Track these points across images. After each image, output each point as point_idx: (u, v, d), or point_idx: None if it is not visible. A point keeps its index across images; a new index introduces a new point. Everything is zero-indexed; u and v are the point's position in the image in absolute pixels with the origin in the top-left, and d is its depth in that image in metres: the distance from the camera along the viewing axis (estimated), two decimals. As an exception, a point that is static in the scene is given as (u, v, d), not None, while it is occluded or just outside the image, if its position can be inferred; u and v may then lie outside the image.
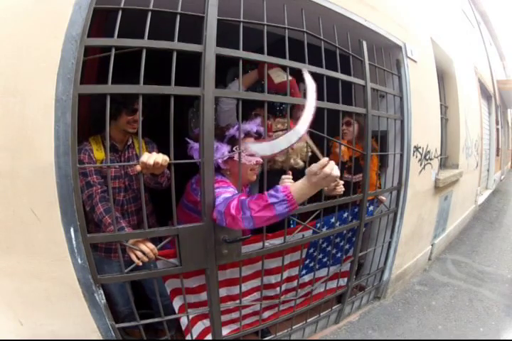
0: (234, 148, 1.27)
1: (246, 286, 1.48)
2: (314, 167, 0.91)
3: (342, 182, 1.52)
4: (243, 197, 1.04)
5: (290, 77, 1.36)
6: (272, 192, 0.96)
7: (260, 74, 1.59)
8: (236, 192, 1.21)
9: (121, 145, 1.36)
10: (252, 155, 1.29)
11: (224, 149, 1.27)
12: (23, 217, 0.88)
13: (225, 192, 1.15)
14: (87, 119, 1.34)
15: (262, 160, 1.32)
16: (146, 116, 1.22)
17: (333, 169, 0.89)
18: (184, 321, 1.33)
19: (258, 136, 1.35)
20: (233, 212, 0.99)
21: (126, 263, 1.09)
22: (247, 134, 1.31)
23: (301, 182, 0.95)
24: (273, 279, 1.57)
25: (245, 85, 1.52)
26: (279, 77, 1.57)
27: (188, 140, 1.23)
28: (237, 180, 1.25)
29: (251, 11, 1.14)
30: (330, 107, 1.46)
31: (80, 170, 0.96)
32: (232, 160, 1.30)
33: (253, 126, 1.34)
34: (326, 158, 0.91)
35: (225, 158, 1.29)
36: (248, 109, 1.69)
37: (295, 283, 1.64)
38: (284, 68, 1.29)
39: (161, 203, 1.65)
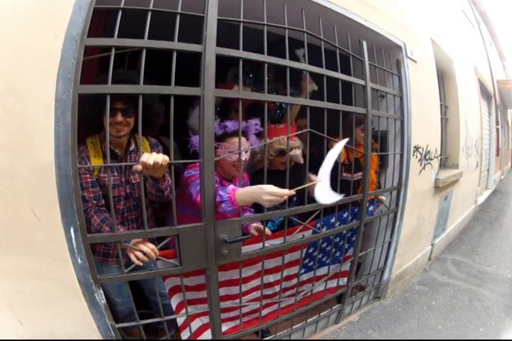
0: (216, 144, 1.32)
1: (246, 287, 1.48)
2: (273, 190, 1.09)
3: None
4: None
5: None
6: (220, 192, 1.15)
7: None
8: (216, 179, 1.28)
9: (121, 151, 1.26)
10: (232, 152, 1.35)
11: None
12: (23, 217, 0.88)
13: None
14: (82, 119, 1.28)
15: (242, 158, 1.33)
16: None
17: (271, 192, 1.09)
18: (180, 318, 1.33)
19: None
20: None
21: (126, 265, 1.08)
22: (233, 133, 1.36)
23: (252, 188, 1.15)
24: (271, 278, 1.58)
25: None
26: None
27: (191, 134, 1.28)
28: (223, 169, 1.42)
29: (251, 11, 1.14)
30: (330, 107, 1.47)
31: None
32: (217, 155, 1.33)
33: (235, 125, 1.38)
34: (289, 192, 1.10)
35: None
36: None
37: (293, 282, 1.64)
38: (284, 68, 1.29)
39: (162, 205, 1.65)
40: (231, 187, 1.17)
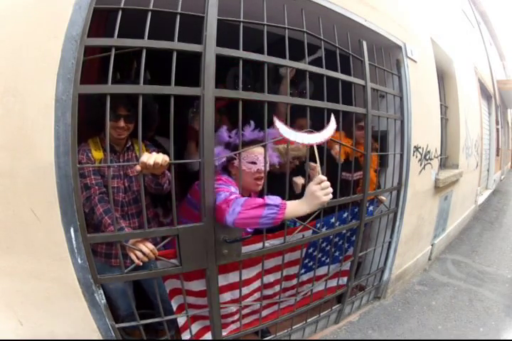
0: (233, 154, 1.28)
1: (248, 289, 1.47)
2: (312, 184, 0.99)
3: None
4: (240, 196, 1.09)
5: None
6: (270, 196, 1.04)
7: None
8: (237, 192, 1.21)
9: (120, 147, 1.34)
10: (253, 162, 1.28)
11: (225, 154, 1.29)
12: (23, 217, 0.88)
13: (226, 190, 1.16)
14: (84, 120, 1.29)
15: (263, 169, 1.31)
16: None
17: (321, 190, 0.98)
18: (181, 319, 1.33)
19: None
20: (223, 205, 1.05)
21: (127, 267, 1.08)
22: (249, 143, 1.30)
23: (297, 200, 1.03)
24: (272, 278, 1.58)
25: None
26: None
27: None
28: (242, 183, 1.29)
29: (251, 11, 1.14)
30: (330, 107, 1.46)
31: (79, 170, 0.96)
32: (234, 166, 1.32)
33: (257, 134, 1.33)
34: (323, 177, 1.00)
35: (222, 160, 1.29)
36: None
37: (294, 282, 1.64)
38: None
39: (164, 204, 1.66)
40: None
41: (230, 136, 1.31)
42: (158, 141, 1.74)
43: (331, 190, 1.00)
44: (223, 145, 1.30)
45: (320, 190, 0.97)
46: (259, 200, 1.01)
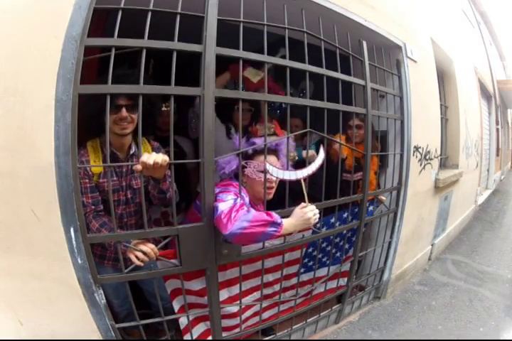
0: (244, 163, 1.27)
1: (245, 286, 1.47)
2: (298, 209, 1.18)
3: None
4: (248, 208, 1.11)
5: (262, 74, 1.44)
6: (274, 214, 1.10)
7: (233, 74, 1.58)
8: (246, 198, 1.24)
9: (123, 154, 1.23)
10: (262, 171, 1.26)
11: (234, 162, 1.29)
12: (23, 217, 0.88)
13: (235, 194, 1.18)
14: (82, 120, 1.16)
15: (273, 178, 1.29)
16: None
17: (310, 211, 1.17)
18: (183, 321, 1.32)
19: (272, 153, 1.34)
20: (233, 214, 1.04)
21: (126, 266, 1.08)
22: (260, 151, 1.29)
23: (289, 219, 1.15)
24: (271, 277, 1.57)
25: (217, 86, 1.53)
26: (256, 76, 1.61)
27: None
28: (253, 191, 1.33)
29: (251, 11, 1.14)
30: (330, 107, 1.46)
31: None
32: (245, 174, 1.30)
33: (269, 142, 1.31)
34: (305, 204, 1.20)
35: (233, 168, 1.29)
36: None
37: (293, 281, 1.64)
38: (284, 68, 1.29)
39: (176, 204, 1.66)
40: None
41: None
42: (176, 140, 1.74)
43: (317, 211, 1.20)
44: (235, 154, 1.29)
45: (310, 211, 1.16)
46: (267, 217, 1.07)
